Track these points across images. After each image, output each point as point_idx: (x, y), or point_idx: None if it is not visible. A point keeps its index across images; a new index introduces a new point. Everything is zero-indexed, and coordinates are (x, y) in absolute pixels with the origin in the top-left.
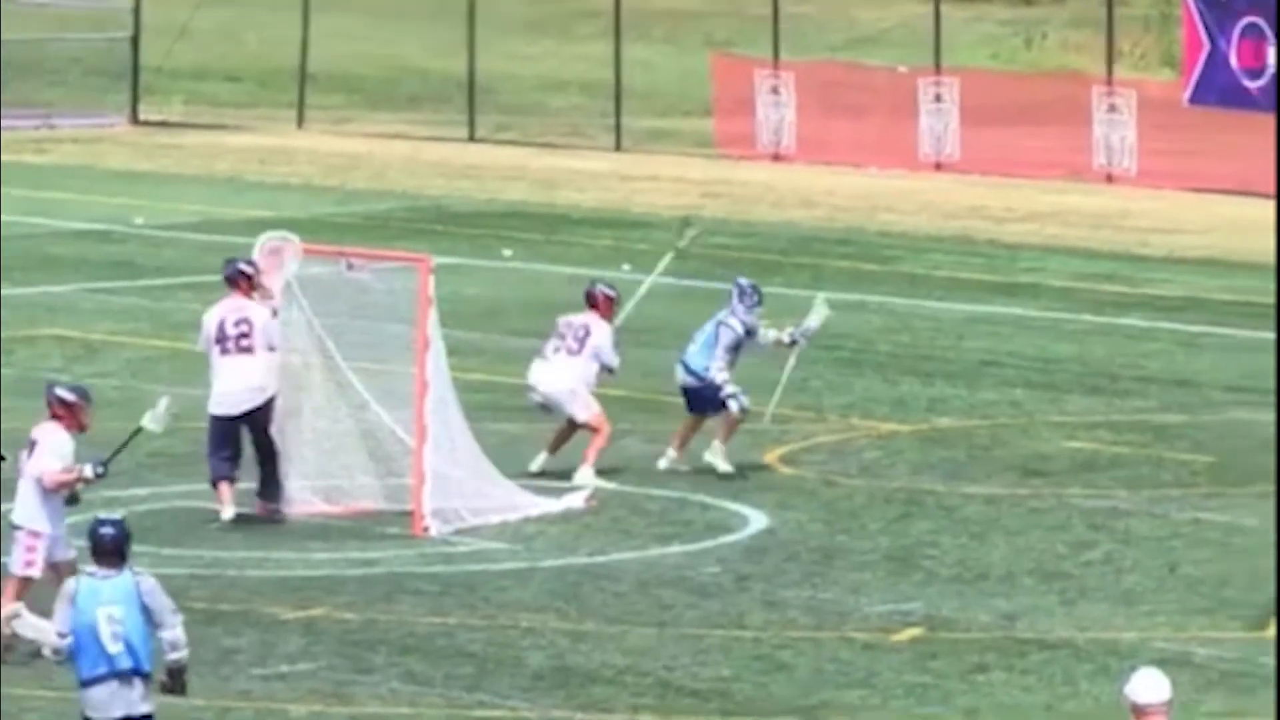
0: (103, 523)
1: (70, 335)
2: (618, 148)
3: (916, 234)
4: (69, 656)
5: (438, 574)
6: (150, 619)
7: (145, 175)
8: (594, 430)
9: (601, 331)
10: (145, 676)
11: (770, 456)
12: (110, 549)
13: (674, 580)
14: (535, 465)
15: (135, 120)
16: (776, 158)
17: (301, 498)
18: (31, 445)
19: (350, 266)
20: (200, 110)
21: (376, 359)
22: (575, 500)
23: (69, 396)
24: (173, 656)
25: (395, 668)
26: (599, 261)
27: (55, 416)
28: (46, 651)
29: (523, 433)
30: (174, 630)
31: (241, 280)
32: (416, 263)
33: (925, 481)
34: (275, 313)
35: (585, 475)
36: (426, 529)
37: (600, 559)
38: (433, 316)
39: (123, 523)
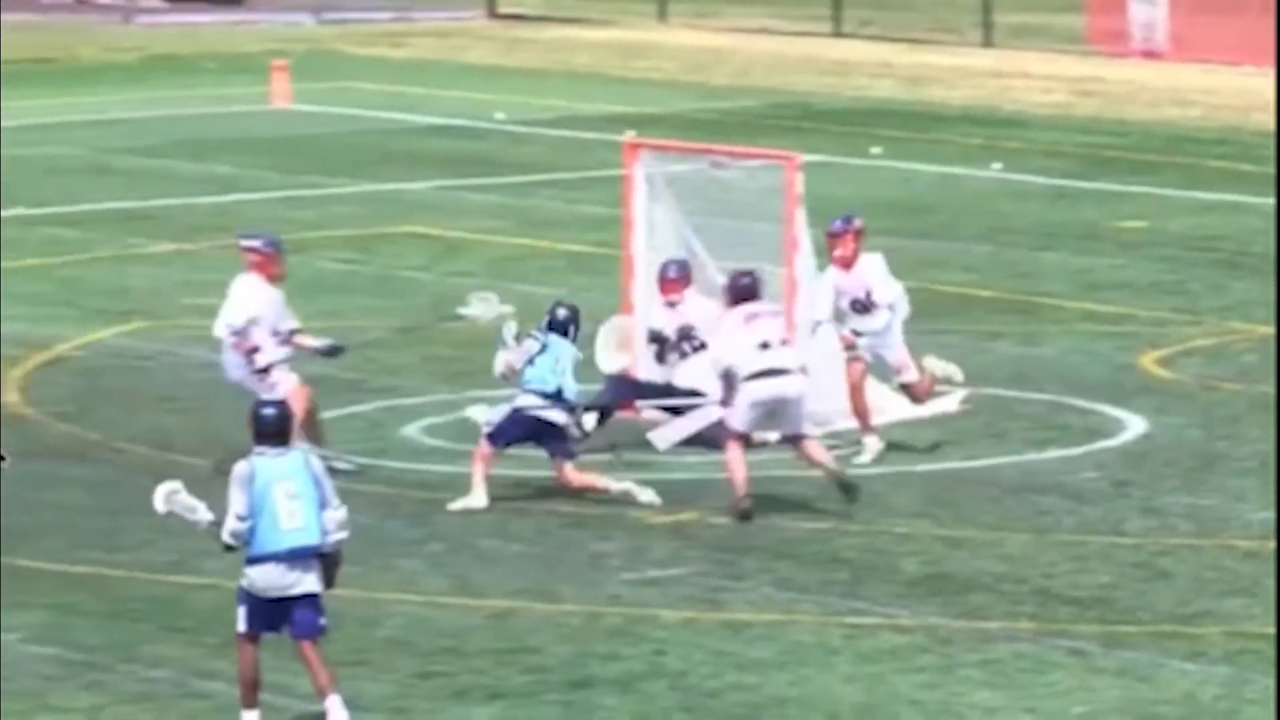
0: (265, 404)
1: (429, 233)
2: (987, 44)
3: None
4: (245, 539)
5: (811, 478)
6: (320, 496)
7: (505, 70)
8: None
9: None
10: (319, 555)
11: (1146, 360)
12: (276, 429)
13: (1051, 486)
14: None
15: (492, 14)
16: (1149, 55)
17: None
18: None
19: (716, 164)
20: (558, 3)
21: (742, 258)
22: (948, 404)
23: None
24: (337, 536)
25: (768, 574)
26: (969, 159)
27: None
28: (225, 538)
29: None
30: (340, 510)
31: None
32: (783, 160)
33: None
34: None
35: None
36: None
37: (975, 464)
38: (800, 215)
39: (284, 403)
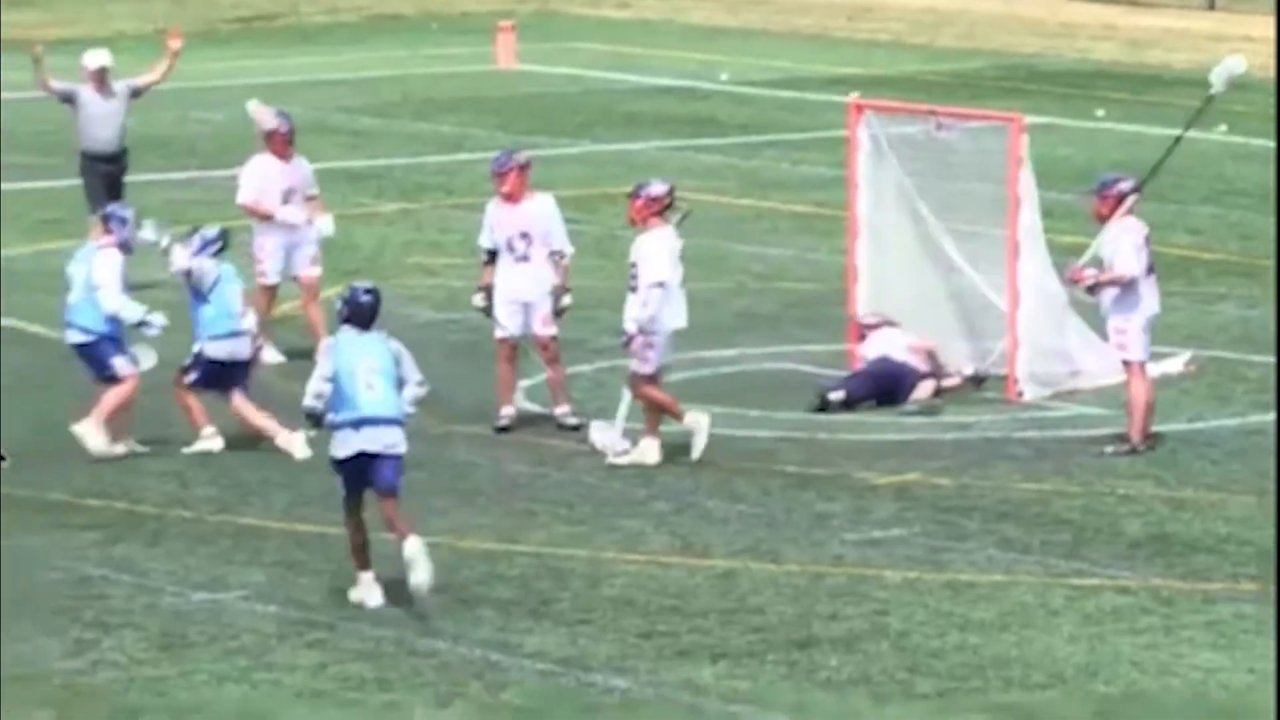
0: (359, 290)
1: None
2: (1211, 6)
3: None
4: (326, 402)
5: (1032, 439)
6: (400, 376)
7: (729, 31)
8: None
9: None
10: (398, 424)
11: None
12: (368, 314)
13: (1274, 448)
14: None
15: None
16: None
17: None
18: None
19: (940, 125)
20: None
21: (966, 220)
22: (1173, 365)
23: None
24: (409, 411)
25: (990, 535)
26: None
27: None
28: (307, 401)
29: None
30: (422, 388)
31: None
32: (1007, 122)
33: None
34: None
35: None
36: (1021, 394)
37: (1199, 425)
38: (1024, 177)
39: (378, 291)
